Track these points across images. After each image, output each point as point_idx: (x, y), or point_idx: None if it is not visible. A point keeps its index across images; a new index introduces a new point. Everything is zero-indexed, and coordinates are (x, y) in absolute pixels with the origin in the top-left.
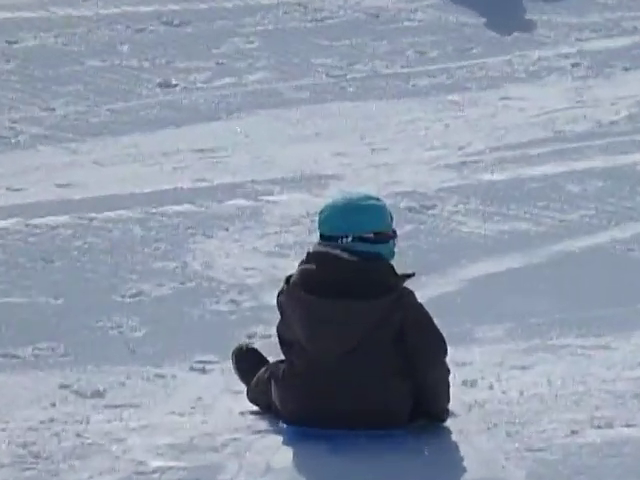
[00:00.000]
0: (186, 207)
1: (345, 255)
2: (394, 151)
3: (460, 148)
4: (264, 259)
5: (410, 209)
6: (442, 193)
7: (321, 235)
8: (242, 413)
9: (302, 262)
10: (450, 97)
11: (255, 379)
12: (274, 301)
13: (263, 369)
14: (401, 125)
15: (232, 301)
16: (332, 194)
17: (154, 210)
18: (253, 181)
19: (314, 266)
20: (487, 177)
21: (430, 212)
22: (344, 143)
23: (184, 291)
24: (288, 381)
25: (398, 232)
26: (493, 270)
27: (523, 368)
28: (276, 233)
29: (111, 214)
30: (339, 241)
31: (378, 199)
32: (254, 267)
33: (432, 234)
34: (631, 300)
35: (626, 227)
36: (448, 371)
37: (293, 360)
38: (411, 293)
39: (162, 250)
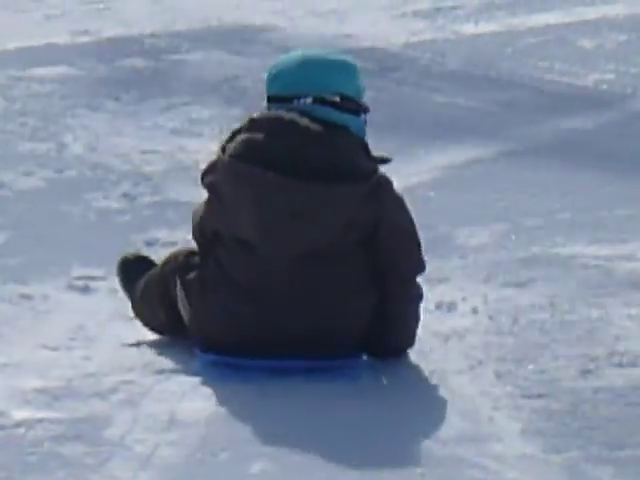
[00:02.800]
0: (63, 70)
1: (304, 121)
2: None
3: None
4: (168, 139)
5: (368, 72)
6: (410, 50)
7: (269, 98)
8: (137, 346)
9: (240, 130)
10: None
11: (143, 284)
12: (180, 195)
13: (155, 270)
14: None
15: (125, 195)
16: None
17: (19, 73)
18: (153, 35)
19: (261, 135)
20: (470, 29)
21: (394, 75)
22: None
23: (60, 182)
24: (211, 292)
25: None
26: (478, 154)
27: (518, 286)
28: (185, 104)
29: None
30: (295, 102)
31: (349, 57)
32: (155, 150)
33: (397, 105)
34: None
35: None
36: (421, 293)
37: (222, 261)
38: (389, 183)
39: (30, 127)
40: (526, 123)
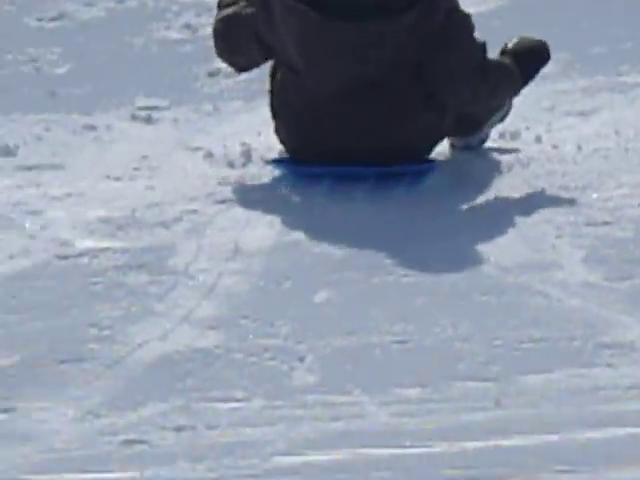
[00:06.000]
0: None
1: None
2: None
3: None
4: None
5: None
6: None
7: None
8: (201, 176)
9: None
10: None
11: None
12: None
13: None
14: None
15: (187, 26)
16: None
17: None
18: None
19: None
20: None
21: None
22: None
23: (122, 13)
24: (278, 103)
25: None
26: None
27: (582, 115)
28: None
29: None
30: None
31: None
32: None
33: None
34: None
35: None
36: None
37: (281, 81)
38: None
39: None
40: None
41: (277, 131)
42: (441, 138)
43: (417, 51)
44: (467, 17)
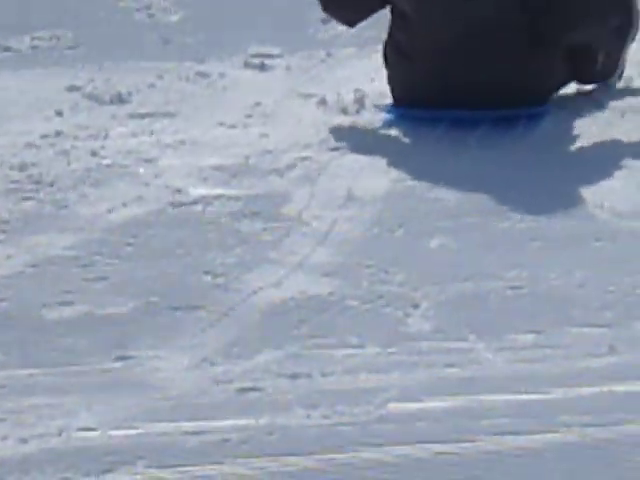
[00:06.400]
0: None
1: None
2: None
3: None
4: None
5: None
6: None
7: None
8: (314, 123)
9: None
10: None
11: None
12: None
13: None
14: None
15: None
16: None
17: None
18: None
19: None
20: None
21: None
22: None
23: None
24: (391, 51)
25: None
26: None
27: None
28: None
29: None
30: None
31: None
32: None
33: None
34: None
35: None
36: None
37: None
38: None
39: None
40: None
41: (389, 79)
42: (558, 84)
43: None
44: None
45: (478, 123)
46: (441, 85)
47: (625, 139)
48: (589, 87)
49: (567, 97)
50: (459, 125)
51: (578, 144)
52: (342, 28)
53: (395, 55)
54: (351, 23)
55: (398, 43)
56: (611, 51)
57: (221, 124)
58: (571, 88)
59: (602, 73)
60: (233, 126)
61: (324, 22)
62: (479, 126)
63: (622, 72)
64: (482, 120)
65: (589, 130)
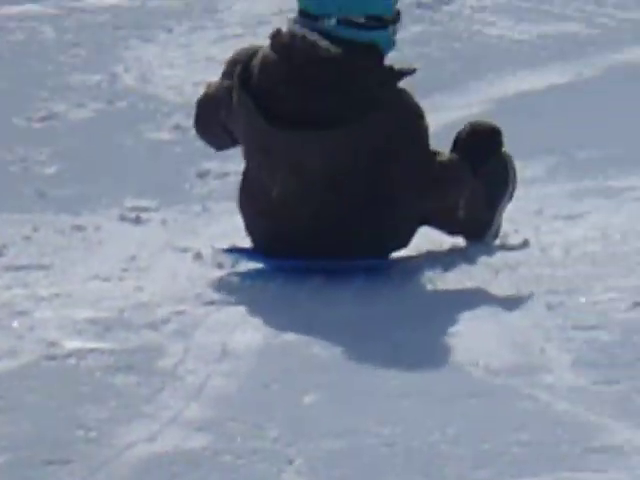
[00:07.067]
0: (115, 1)
1: (324, 44)
2: None
3: None
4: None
5: (419, 4)
6: None
7: (300, 10)
8: (189, 277)
9: (271, 36)
10: None
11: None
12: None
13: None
14: None
15: (177, 127)
16: None
17: (72, 4)
18: None
19: (277, 56)
20: None
21: (446, 8)
22: None
23: (112, 114)
24: (248, 197)
25: (403, 35)
26: (529, 87)
27: (570, 218)
28: (237, 36)
29: (13, 10)
30: (320, 21)
31: None
32: (207, 81)
33: (448, 38)
34: None
35: None
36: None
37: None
38: (403, 91)
39: (82, 58)
40: (574, 55)
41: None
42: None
43: (367, 159)
44: (420, 128)
45: (351, 276)
46: (285, 237)
47: (500, 297)
48: (463, 244)
49: (440, 253)
50: (332, 278)
51: (452, 301)
52: (218, 183)
53: (247, 206)
54: (219, 149)
55: (248, 191)
56: (479, 216)
57: (96, 277)
58: (446, 244)
59: (469, 232)
60: (108, 279)
61: (200, 176)
62: (352, 280)
63: (498, 230)
64: (356, 271)
65: (463, 287)
